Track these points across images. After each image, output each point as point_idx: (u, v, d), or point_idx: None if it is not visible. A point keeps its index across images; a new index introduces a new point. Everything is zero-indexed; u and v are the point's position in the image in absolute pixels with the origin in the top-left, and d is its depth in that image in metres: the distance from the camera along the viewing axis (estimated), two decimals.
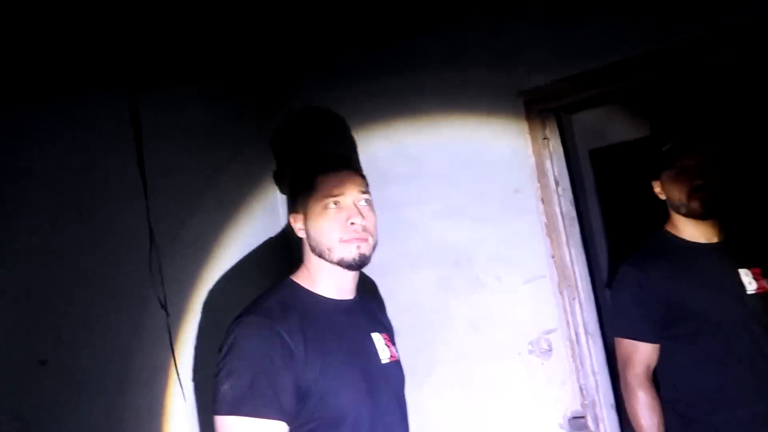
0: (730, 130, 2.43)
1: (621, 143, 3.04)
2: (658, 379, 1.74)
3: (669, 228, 1.81)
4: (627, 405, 1.74)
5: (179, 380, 1.77)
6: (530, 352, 2.02)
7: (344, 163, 1.38)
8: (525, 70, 1.99)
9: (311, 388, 1.15)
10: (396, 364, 1.38)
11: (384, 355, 1.34)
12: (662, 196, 1.81)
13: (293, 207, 1.41)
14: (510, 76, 2.01)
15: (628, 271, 1.77)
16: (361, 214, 1.30)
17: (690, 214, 1.73)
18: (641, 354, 1.72)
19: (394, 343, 1.42)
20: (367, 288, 1.46)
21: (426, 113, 2.17)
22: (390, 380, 1.33)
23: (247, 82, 2.29)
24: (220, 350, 1.16)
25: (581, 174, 2.89)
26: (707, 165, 1.72)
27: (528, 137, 2.00)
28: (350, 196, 1.31)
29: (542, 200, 2.00)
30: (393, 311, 2.17)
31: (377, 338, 1.35)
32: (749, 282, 1.70)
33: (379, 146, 2.25)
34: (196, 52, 2.05)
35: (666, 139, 1.79)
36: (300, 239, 1.38)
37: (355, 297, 1.38)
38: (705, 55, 1.75)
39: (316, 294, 1.32)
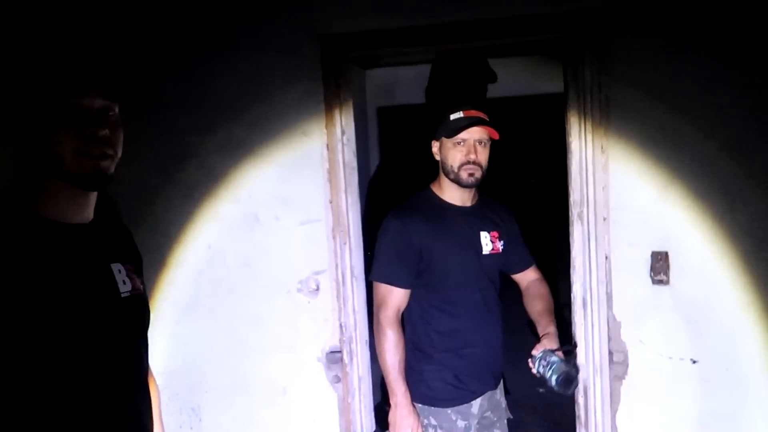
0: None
1: (407, 105, 3.25)
2: (403, 320, 1.95)
3: (433, 187, 2.00)
4: (377, 343, 1.91)
5: None
6: (299, 290, 2.11)
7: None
8: (329, 15, 1.99)
9: None
10: None
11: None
12: (437, 157, 1.97)
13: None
14: (312, 19, 2.00)
15: (390, 222, 1.92)
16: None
17: (455, 182, 1.92)
18: (394, 298, 1.90)
19: None
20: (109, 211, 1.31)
21: (219, 41, 2.04)
22: None
23: None
24: None
25: (367, 128, 3.04)
26: (483, 143, 1.91)
27: (321, 83, 2.02)
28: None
29: (327, 147, 2.05)
30: (161, 242, 2.09)
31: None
32: (486, 244, 1.97)
33: (161, 65, 2.08)
34: None
35: (455, 108, 1.92)
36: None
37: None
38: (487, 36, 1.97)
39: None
